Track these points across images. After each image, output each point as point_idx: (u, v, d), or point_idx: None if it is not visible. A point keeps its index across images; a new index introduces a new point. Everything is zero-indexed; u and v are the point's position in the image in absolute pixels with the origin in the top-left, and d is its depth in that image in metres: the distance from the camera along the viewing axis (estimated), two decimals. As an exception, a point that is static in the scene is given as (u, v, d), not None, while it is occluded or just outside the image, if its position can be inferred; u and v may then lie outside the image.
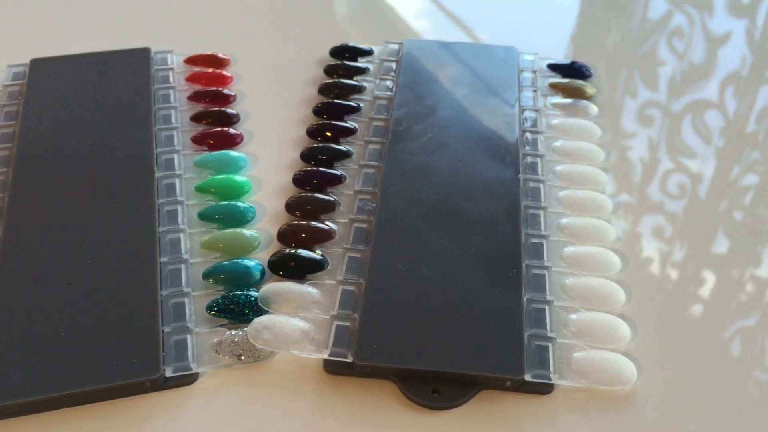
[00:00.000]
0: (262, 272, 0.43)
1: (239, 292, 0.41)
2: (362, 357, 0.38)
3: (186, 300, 0.41)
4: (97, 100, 0.52)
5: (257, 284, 0.42)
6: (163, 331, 0.39)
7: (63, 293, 0.40)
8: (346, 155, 0.49)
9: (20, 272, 0.41)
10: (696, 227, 0.47)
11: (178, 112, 0.52)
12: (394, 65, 0.57)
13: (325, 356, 0.39)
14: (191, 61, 0.57)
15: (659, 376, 0.39)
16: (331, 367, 0.39)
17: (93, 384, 0.36)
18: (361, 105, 0.53)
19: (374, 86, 0.55)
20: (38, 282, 0.40)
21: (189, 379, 0.38)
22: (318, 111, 0.53)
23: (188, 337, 0.39)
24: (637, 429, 0.37)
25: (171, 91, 0.54)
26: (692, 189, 0.48)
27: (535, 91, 0.54)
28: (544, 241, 0.44)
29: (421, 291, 0.40)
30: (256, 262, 0.43)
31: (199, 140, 0.50)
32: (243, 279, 0.42)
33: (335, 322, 0.40)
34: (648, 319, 0.42)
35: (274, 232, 0.45)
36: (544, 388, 0.38)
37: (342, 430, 0.37)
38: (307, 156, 0.50)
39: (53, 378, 0.36)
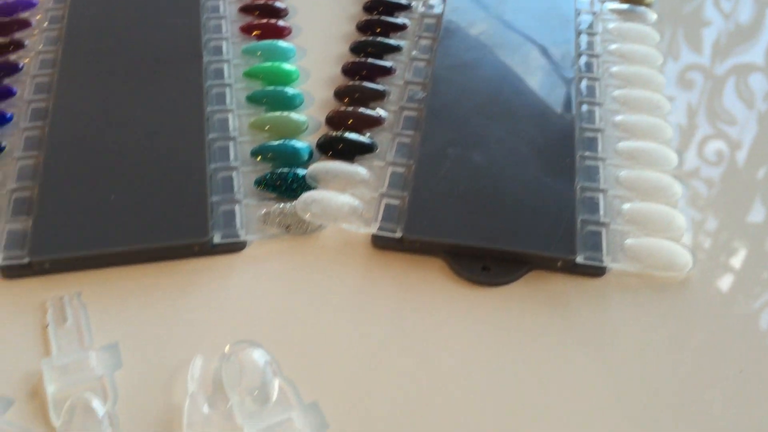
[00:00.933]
0: (310, 153, 0.42)
1: (287, 169, 0.40)
2: (412, 231, 0.37)
3: (234, 174, 0.40)
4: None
5: (305, 164, 0.41)
6: (211, 201, 0.39)
7: (114, 162, 0.40)
8: (396, 49, 0.48)
9: (72, 141, 0.41)
10: (732, 195, 0.44)
11: (226, 3, 0.51)
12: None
13: (374, 231, 0.38)
14: (239, -43, 0.56)
15: (712, 267, 0.38)
16: (380, 243, 0.38)
17: (144, 243, 0.36)
18: (413, 2, 0.52)
19: (425, -14, 0.53)
20: (89, 150, 0.40)
21: (237, 247, 0.38)
22: (369, 7, 0.52)
23: (236, 207, 0.39)
24: (686, 316, 0.36)
25: (219, -16, 0.53)
26: (730, 156, 0.45)
27: (591, -5, 0.53)
28: (599, 135, 0.43)
29: (472, 174, 0.40)
30: (304, 143, 0.42)
31: (247, 30, 0.50)
32: (291, 159, 0.42)
33: (384, 200, 0.39)
34: (702, 217, 0.40)
35: (323, 118, 0.44)
36: (595, 271, 0.37)
37: (389, 304, 0.36)
38: (356, 49, 0.49)
39: (106, 235, 0.36)
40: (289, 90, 0.46)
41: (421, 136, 0.42)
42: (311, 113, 0.45)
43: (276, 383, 0.32)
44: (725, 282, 0.38)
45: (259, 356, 0.33)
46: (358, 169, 0.41)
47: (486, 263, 0.37)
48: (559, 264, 0.37)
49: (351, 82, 0.46)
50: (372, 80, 0.46)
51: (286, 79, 0.47)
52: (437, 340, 0.35)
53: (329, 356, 0.34)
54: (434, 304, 0.36)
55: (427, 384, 0.33)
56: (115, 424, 0.30)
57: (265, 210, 0.39)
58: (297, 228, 0.39)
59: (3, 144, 0.41)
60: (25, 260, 0.36)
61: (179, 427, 0.30)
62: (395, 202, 0.39)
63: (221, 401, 0.31)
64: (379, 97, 0.45)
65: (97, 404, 0.30)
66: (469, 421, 0.32)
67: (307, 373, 0.33)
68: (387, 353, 0.34)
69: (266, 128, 0.43)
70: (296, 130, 0.43)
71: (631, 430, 0.32)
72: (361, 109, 0.44)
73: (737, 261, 0.39)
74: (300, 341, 0.34)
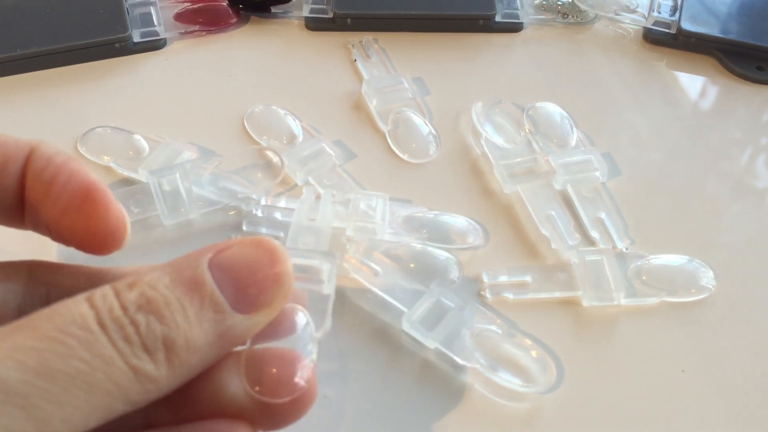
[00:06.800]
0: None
1: (560, -34, 0.42)
2: (689, 24, 0.39)
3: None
4: None
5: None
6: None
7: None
8: None
9: None
10: None
11: None
12: None
13: (649, 24, 0.40)
14: None
15: None
16: (653, 37, 0.40)
17: (439, 10, 0.39)
18: None
19: None
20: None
21: (515, 27, 0.40)
22: None
23: (515, -10, 0.41)
24: None
25: None
26: None
27: None
28: None
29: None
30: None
31: None
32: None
33: (659, -2, 0.40)
34: None
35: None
36: None
37: (662, 95, 0.38)
38: None
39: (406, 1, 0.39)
40: None
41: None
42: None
43: (575, 132, 0.34)
44: None
45: (555, 110, 0.35)
46: (630, -29, 0.42)
47: (760, 63, 0.38)
48: (835, 70, 0.38)
49: None
50: None
51: None
52: (707, 131, 0.36)
53: (601, 138, 0.36)
54: (706, 98, 0.38)
55: (693, 157, 0.35)
56: (437, 140, 0.34)
57: (542, -2, 0.41)
58: (574, 16, 0.41)
59: None
60: (329, 14, 0.39)
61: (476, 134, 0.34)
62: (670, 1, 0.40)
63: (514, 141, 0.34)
64: None
65: (418, 120, 0.34)
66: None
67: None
68: (661, 134, 0.36)
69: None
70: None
71: None
72: None
73: None
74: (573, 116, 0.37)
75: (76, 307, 0.17)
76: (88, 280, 0.21)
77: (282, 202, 0.30)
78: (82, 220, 0.20)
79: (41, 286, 0.20)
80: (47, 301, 0.20)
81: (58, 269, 0.21)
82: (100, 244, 0.20)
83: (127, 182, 0.31)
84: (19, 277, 0.20)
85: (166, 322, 0.17)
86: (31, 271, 0.20)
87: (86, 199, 0.20)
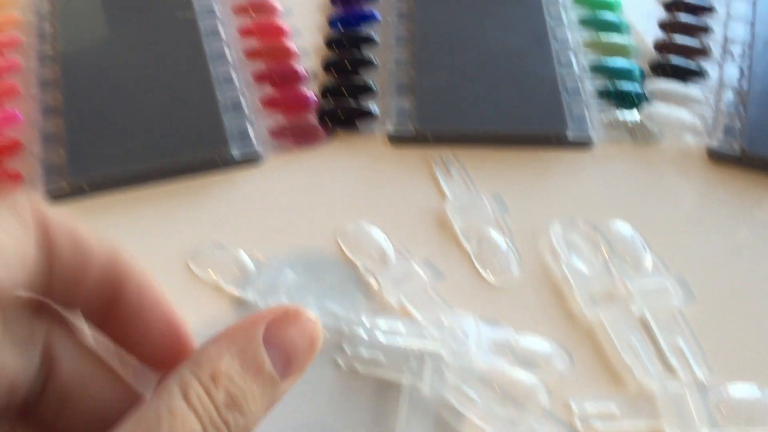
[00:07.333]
0: (642, 72, 0.46)
1: (628, 83, 0.45)
2: (754, 147, 0.41)
3: (579, 81, 0.45)
4: None
5: (637, 82, 0.45)
6: (566, 100, 0.43)
7: (476, 58, 0.45)
8: None
9: (436, 41, 0.46)
10: None
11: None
12: None
13: (713, 143, 0.42)
14: None
15: None
16: (717, 157, 0.42)
17: (510, 126, 0.42)
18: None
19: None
20: (452, 48, 0.46)
21: (586, 144, 0.43)
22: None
23: (585, 109, 0.43)
24: None
25: None
26: None
27: None
28: None
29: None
30: (634, 63, 0.46)
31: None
32: (625, 75, 0.46)
33: (722, 118, 0.43)
34: None
35: (648, 43, 0.48)
36: None
37: (728, 215, 0.40)
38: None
39: (478, 117, 0.42)
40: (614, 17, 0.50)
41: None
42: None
43: (648, 253, 0.36)
44: None
45: (626, 230, 0.37)
46: (693, 89, 0.44)
47: (825, 186, 0.40)
48: None
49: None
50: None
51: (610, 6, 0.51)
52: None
53: (673, 259, 0.38)
54: (769, 218, 0.40)
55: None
56: (518, 260, 0.36)
57: (609, 116, 0.43)
58: (641, 135, 0.43)
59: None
60: (411, 129, 0.42)
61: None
62: (735, 116, 0.42)
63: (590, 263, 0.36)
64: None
65: (499, 238, 0.36)
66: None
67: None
68: (731, 256, 0.38)
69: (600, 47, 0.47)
70: (625, 52, 0.47)
71: None
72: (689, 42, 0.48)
73: None
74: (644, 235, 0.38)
75: (189, 422, 0.19)
76: (96, 371, 0.22)
77: (382, 324, 0.33)
78: (166, 353, 0.23)
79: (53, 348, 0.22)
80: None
81: (75, 349, 0.22)
82: (167, 366, 0.23)
83: (234, 300, 0.34)
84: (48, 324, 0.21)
85: (245, 413, 0.20)
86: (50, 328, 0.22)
87: (175, 339, 0.23)
